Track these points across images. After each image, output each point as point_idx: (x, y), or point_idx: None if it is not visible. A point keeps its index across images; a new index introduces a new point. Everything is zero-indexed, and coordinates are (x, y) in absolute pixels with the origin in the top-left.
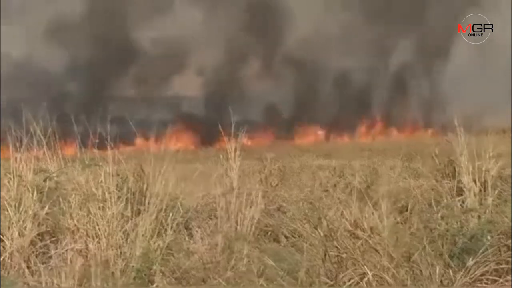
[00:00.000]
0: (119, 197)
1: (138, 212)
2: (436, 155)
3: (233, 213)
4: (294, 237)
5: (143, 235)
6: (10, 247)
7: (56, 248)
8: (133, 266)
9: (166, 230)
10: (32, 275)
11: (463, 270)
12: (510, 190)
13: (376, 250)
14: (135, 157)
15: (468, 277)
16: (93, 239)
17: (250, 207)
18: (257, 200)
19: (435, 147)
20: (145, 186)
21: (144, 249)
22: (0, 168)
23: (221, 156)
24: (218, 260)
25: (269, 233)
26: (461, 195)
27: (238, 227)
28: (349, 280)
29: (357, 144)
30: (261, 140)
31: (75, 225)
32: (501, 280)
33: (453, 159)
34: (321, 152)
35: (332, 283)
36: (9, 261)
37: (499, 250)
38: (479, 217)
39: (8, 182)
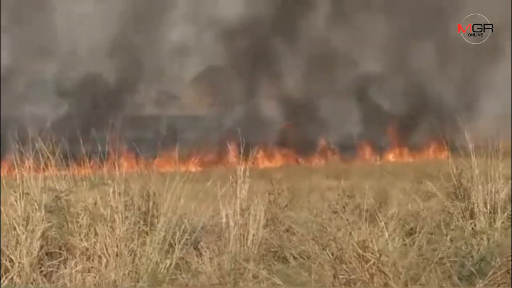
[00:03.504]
0: (126, 217)
1: (147, 232)
2: (448, 177)
3: (242, 234)
4: (303, 258)
5: (151, 254)
6: (18, 266)
7: (65, 268)
8: (141, 286)
9: (174, 249)
10: None
11: None
12: None
13: (384, 273)
14: (145, 176)
15: None
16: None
17: (258, 228)
18: (266, 220)
19: (448, 169)
20: (153, 205)
21: (152, 269)
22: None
23: (230, 177)
24: (226, 281)
25: (277, 254)
26: (472, 217)
27: (246, 247)
28: None
29: (368, 165)
30: (272, 161)
31: (84, 245)
32: None
33: (464, 181)
34: (332, 173)
35: None
36: (17, 279)
37: (508, 273)
38: (488, 239)
39: (16, 200)
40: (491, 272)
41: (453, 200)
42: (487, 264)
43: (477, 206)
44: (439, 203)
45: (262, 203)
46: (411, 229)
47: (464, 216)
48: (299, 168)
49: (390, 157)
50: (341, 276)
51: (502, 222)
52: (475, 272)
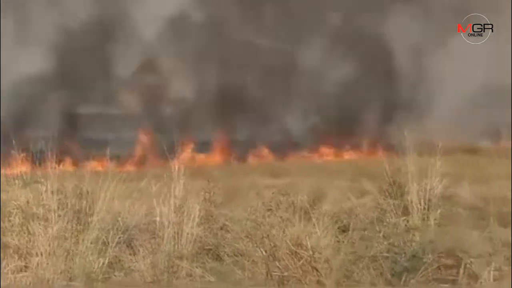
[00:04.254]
0: (59, 216)
1: (80, 231)
2: (382, 175)
3: (176, 232)
4: (237, 256)
5: (85, 253)
6: None
7: None
8: (75, 285)
9: (107, 248)
10: None
11: None
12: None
13: (317, 269)
14: (79, 175)
15: None
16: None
17: (193, 226)
18: (201, 218)
19: (383, 167)
20: (86, 204)
21: (86, 268)
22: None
23: (165, 176)
24: (159, 279)
25: (212, 252)
26: (405, 214)
27: (181, 245)
28: None
29: (306, 164)
30: (211, 160)
31: (17, 244)
32: None
33: (398, 179)
34: (269, 171)
35: None
36: None
37: (440, 269)
38: (421, 236)
39: None
40: (422, 268)
41: (386, 197)
42: (419, 260)
43: (411, 203)
44: (373, 200)
45: (197, 202)
46: (345, 226)
47: (397, 213)
48: (236, 167)
49: (329, 155)
50: (274, 273)
51: (435, 219)
52: (407, 268)
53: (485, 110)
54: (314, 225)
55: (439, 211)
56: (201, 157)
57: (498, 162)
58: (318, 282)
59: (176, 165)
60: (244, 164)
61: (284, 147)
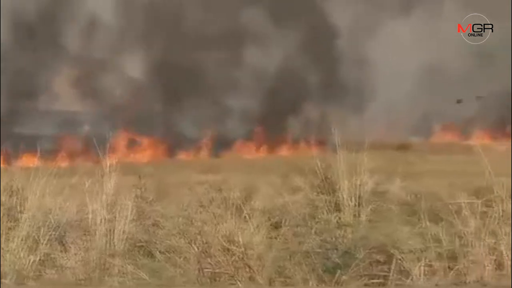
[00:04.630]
0: None
1: (11, 228)
2: (315, 171)
3: (108, 229)
4: (169, 253)
5: (15, 250)
6: None
7: None
8: (5, 283)
9: (38, 245)
10: None
11: (336, 284)
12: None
13: (250, 266)
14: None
15: None
16: None
17: (125, 222)
18: (131, 215)
19: (316, 163)
20: (17, 200)
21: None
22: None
23: (97, 172)
24: (91, 277)
25: (144, 249)
26: (337, 210)
27: (113, 242)
28: None
29: (239, 160)
30: (144, 156)
31: None
32: None
33: (330, 175)
34: (202, 168)
35: None
36: None
37: (371, 265)
38: (353, 232)
39: None
40: (354, 264)
41: (319, 193)
42: (351, 256)
43: (343, 199)
44: (305, 196)
45: (129, 198)
46: (277, 222)
47: (329, 209)
48: (169, 163)
49: (262, 152)
50: (207, 270)
51: (367, 215)
52: (339, 264)
53: (420, 102)
54: (246, 221)
55: (370, 207)
56: (134, 152)
57: (429, 158)
58: (251, 278)
59: (107, 161)
60: (176, 160)
61: (217, 143)
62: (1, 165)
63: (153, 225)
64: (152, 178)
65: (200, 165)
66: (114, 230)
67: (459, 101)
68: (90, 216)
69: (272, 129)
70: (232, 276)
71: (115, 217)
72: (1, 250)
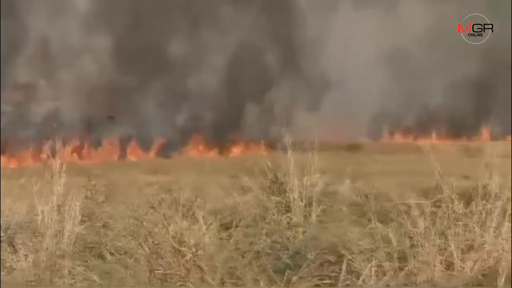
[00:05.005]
0: None
1: None
2: (265, 171)
3: (58, 230)
4: (120, 254)
5: None
6: None
7: None
8: None
9: None
10: None
11: (286, 285)
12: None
13: (201, 267)
14: None
15: None
16: None
17: (75, 224)
18: (80, 216)
19: (266, 163)
20: None
21: None
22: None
23: (46, 173)
24: (41, 278)
25: (94, 250)
26: (287, 211)
27: (63, 244)
28: None
29: (188, 159)
30: (92, 157)
31: None
32: None
33: (280, 175)
34: (151, 168)
35: None
36: None
37: (322, 266)
38: (303, 232)
39: None
40: (305, 265)
41: (269, 194)
42: (302, 257)
43: (293, 199)
44: (255, 197)
45: (78, 199)
46: (228, 223)
47: (279, 210)
48: (119, 164)
49: (212, 152)
50: (157, 271)
51: (317, 216)
52: (290, 265)
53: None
54: (197, 222)
55: (320, 207)
56: (85, 153)
57: (379, 159)
58: (202, 279)
59: (56, 161)
60: (125, 161)
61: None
62: None
63: (103, 226)
64: (101, 179)
65: (149, 166)
66: (64, 232)
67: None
68: (39, 217)
69: (221, 128)
70: (183, 277)
71: (64, 218)
72: None
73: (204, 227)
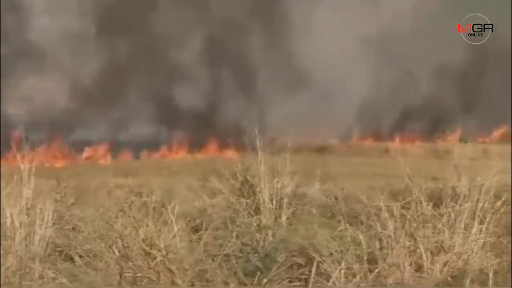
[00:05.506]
0: None
1: None
2: (234, 174)
3: (27, 233)
4: (89, 257)
5: None
6: None
7: None
8: None
9: None
10: None
11: (257, 287)
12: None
13: (171, 270)
14: None
15: None
16: None
17: (43, 226)
18: (50, 219)
19: (235, 166)
20: None
21: None
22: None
23: (15, 176)
24: (11, 281)
25: (63, 253)
26: (257, 213)
27: (32, 247)
28: None
29: (158, 162)
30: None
31: None
32: None
33: (250, 177)
34: (121, 171)
35: None
36: None
37: (292, 268)
38: (273, 235)
39: None
40: (275, 267)
41: (239, 196)
42: (272, 259)
43: (263, 202)
44: (225, 199)
45: (48, 202)
46: (198, 225)
47: (249, 212)
48: (87, 166)
49: (180, 154)
50: (128, 274)
51: (287, 218)
52: (260, 267)
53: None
54: (167, 225)
55: (290, 210)
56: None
57: (348, 161)
58: (172, 282)
59: (25, 164)
60: (95, 164)
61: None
62: None
63: (73, 229)
64: (71, 181)
65: (119, 169)
66: (33, 235)
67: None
68: (8, 220)
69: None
70: (153, 280)
71: (34, 221)
72: None
73: (174, 230)
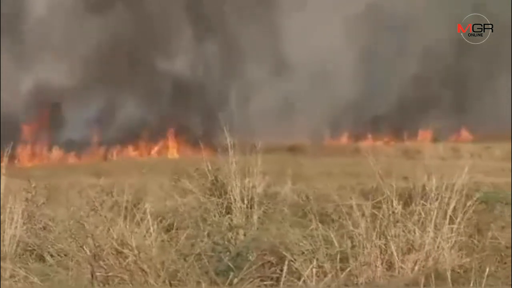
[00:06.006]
0: None
1: None
2: (205, 173)
3: None
4: (60, 256)
5: None
6: None
7: None
8: None
9: None
10: None
11: (228, 286)
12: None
13: (143, 269)
14: None
15: None
16: None
17: (13, 226)
18: (20, 218)
19: (206, 165)
20: None
21: None
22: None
23: None
24: None
25: (34, 253)
26: (228, 212)
27: (3, 246)
28: None
29: (129, 162)
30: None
31: None
32: None
33: (221, 177)
34: (93, 171)
35: None
36: None
37: (263, 267)
38: (245, 234)
39: None
40: (247, 266)
41: (210, 196)
42: (243, 258)
43: (234, 201)
44: (196, 199)
45: (18, 201)
46: (169, 225)
47: (221, 211)
48: (59, 166)
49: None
50: (99, 274)
51: (259, 217)
52: (231, 266)
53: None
54: (138, 224)
55: (262, 209)
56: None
57: (320, 161)
58: (145, 282)
59: None
60: (66, 163)
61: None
62: None
63: (44, 228)
64: (42, 181)
65: (90, 168)
66: (4, 234)
67: None
68: None
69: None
70: (125, 280)
71: (4, 221)
72: None
73: (147, 229)
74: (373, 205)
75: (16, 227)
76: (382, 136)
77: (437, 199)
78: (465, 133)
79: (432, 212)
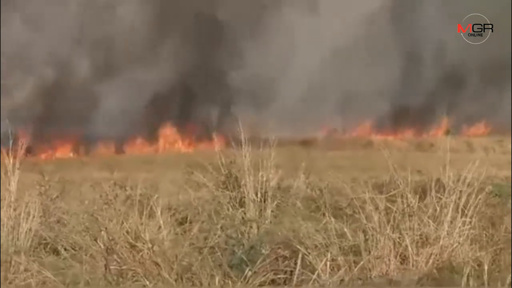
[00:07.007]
0: None
1: None
2: (219, 167)
3: (13, 226)
4: (74, 250)
5: None
6: None
7: None
8: None
9: None
10: None
11: (242, 280)
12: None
13: (157, 263)
14: None
15: (247, 287)
16: None
17: (31, 220)
18: (36, 212)
19: (220, 159)
20: None
21: None
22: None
23: None
24: None
25: (48, 246)
26: (242, 206)
27: (18, 240)
28: None
29: (140, 156)
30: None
31: None
32: None
33: (234, 171)
34: (106, 165)
35: None
36: None
37: (277, 260)
38: (258, 227)
39: None
40: (260, 260)
41: (223, 189)
42: (257, 251)
43: (248, 195)
44: (210, 192)
45: (33, 195)
46: (183, 218)
47: (234, 205)
48: (72, 160)
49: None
50: (113, 267)
51: (272, 211)
52: (245, 260)
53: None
54: (152, 218)
55: (275, 202)
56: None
57: (332, 154)
58: (159, 275)
59: (10, 157)
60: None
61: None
62: None
63: (58, 222)
64: (55, 175)
65: (103, 162)
66: (19, 228)
67: None
68: None
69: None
70: (139, 273)
71: (19, 215)
72: None
73: (159, 223)
74: (386, 199)
75: (32, 220)
76: (396, 129)
77: (453, 193)
78: (479, 126)
79: (448, 206)
